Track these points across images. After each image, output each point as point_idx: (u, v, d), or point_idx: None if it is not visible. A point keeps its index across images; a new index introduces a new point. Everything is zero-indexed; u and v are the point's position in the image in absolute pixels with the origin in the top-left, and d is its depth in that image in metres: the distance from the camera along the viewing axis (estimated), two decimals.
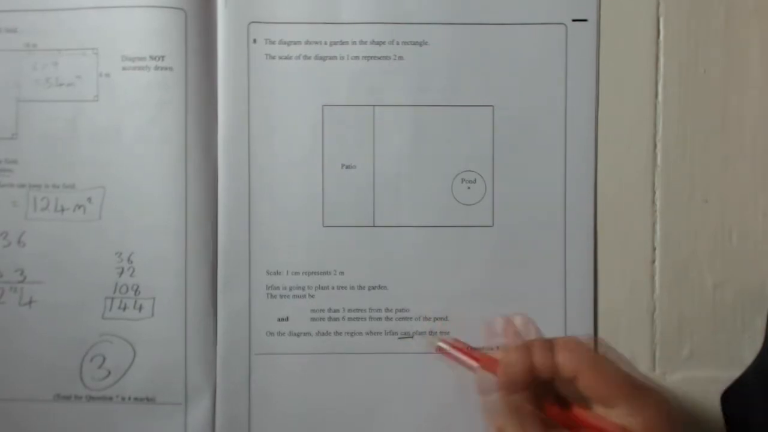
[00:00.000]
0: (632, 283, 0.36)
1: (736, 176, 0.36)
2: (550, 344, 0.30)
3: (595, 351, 0.31)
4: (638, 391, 0.29)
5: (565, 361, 0.29)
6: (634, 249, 0.36)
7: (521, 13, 0.36)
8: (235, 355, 0.36)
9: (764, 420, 0.34)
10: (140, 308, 0.36)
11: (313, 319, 0.36)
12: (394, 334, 0.36)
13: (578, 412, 0.30)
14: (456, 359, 0.35)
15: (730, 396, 0.35)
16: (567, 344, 0.30)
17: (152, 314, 0.36)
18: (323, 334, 0.36)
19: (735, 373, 0.35)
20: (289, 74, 0.36)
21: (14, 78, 0.36)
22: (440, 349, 0.35)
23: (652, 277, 0.36)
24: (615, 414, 0.29)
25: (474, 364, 0.33)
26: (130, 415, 0.36)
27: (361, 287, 0.36)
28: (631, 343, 0.36)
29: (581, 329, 0.36)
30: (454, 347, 0.35)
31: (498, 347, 0.35)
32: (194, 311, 0.36)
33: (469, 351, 0.34)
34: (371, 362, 0.36)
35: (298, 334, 0.36)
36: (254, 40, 0.36)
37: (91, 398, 0.36)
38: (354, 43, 0.36)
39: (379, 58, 0.36)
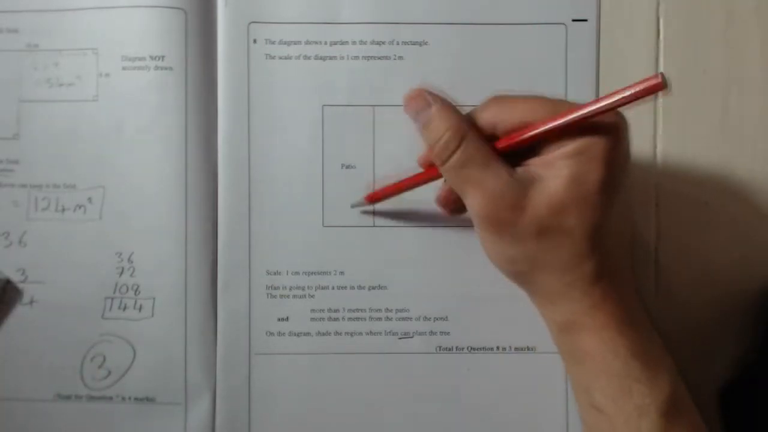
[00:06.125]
0: None
1: (736, 176, 0.36)
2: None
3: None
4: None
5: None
6: (635, 248, 0.36)
7: (521, 13, 0.36)
8: (235, 355, 0.36)
9: (764, 420, 0.34)
10: (140, 308, 0.36)
11: (313, 319, 0.36)
12: (394, 334, 0.36)
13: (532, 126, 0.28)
14: (393, 191, 0.34)
15: (730, 396, 0.35)
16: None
17: (152, 314, 0.36)
18: (323, 334, 0.36)
19: (735, 373, 0.35)
20: (289, 74, 0.36)
21: (16, 78, 0.36)
22: (370, 198, 0.35)
23: (652, 276, 0.36)
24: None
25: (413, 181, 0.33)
26: (130, 415, 0.36)
27: (361, 287, 0.36)
28: None
29: None
30: (381, 192, 0.35)
31: None
32: (194, 311, 0.36)
33: (398, 182, 0.34)
34: (371, 362, 0.36)
35: (298, 334, 0.36)
36: (254, 40, 0.36)
37: (91, 398, 0.36)
38: (354, 43, 0.36)
39: (379, 58, 0.36)
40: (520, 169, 0.28)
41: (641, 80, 0.25)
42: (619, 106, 0.26)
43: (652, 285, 0.36)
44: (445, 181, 0.32)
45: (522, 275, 0.29)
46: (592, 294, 0.28)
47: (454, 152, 0.28)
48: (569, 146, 0.27)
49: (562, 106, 0.28)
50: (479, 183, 0.28)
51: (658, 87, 0.25)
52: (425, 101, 0.30)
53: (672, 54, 0.36)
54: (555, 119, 0.27)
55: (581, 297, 0.28)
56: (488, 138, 0.29)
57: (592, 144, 0.27)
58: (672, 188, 0.36)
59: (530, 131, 0.28)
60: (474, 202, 0.28)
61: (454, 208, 0.33)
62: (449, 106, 0.29)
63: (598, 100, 0.27)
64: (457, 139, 0.28)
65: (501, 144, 0.29)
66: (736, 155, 0.36)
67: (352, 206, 0.36)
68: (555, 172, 0.27)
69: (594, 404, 0.28)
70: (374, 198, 0.35)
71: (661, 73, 0.25)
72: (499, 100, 0.29)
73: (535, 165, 0.28)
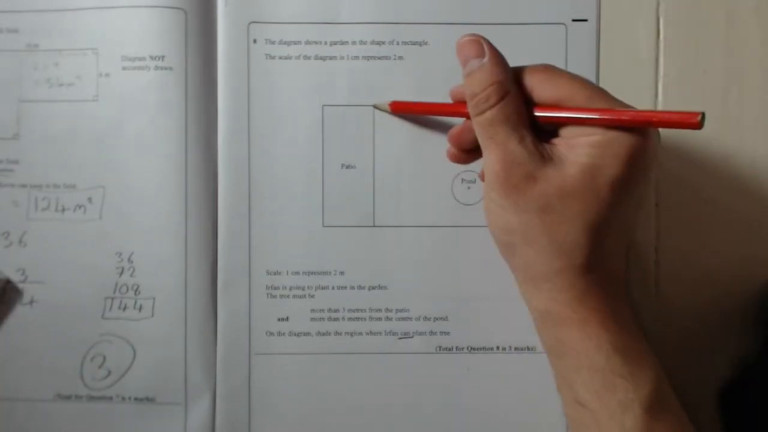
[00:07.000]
0: (632, 283, 0.36)
1: (736, 176, 0.36)
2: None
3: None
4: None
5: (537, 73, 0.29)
6: (635, 248, 0.36)
7: (521, 13, 0.36)
8: (235, 355, 0.36)
9: (764, 420, 0.34)
10: (140, 308, 0.36)
11: (313, 319, 0.36)
12: (394, 334, 0.36)
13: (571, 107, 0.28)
14: (417, 110, 0.35)
15: (730, 396, 0.35)
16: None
17: (152, 314, 0.36)
18: (323, 334, 0.36)
19: (735, 373, 0.35)
20: (289, 74, 0.36)
21: (16, 78, 0.36)
22: (395, 107, 0.36)
23: (652, 276, 0.36)
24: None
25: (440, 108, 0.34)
26: (130, 415, 0.36)
27: (361, 287, 0.36)
28: None
29: None
30: (406, 105, 0.35)
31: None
32: (194, 311, 0.36)
33: (425, 103, 0.35)
34: (371, 362, 0.36)
35: (298, 334, 0.36)
36: (254, 40, 0.36)
37: (91, 398, 0.36)
38: (354, 43, 0.36)
39: (379, 58, 0.36)
40: (545, 144, 0.29)
41: (682, 112, 0.26)
42: (652, 125, 0.27)
43: (652, 285, 0.36)
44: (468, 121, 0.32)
45: (514, 248, 0.29)
46: (577, 286, 0.28)
47: (491, 108, 0.28)
48: (596, 136, 0.27)
49: (599, 96, 0.28)
50: (503, 144, 0.28)
51: (693, 124, 0.25)
52: (479, 50, 0.29)
53: (672, 54, 0.36)
54: (591, 111, 0.27)
55: (566, 287, 0.28)
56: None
57: (619, 140, 0.27)
58: (672, 188, 0.36)
59: (570, 113, 0.28)
60: (492, 159, 0.28)
61: (462, 149, 0.33)
62: (500, 61, 0.29)
63: (636, 112, 0.27)
64: (498, 97, 0.28)
65: (539, 114, 0.29)
66: (736, 155, 0.36)
67: (374, 106, 0.36)
68: (574, 157, 0.27)
69: (578, 399, 0.28)
70: (398, 108, 0.35)
71: (703, 114, 0.25)
72: (548, 69, 0.29)
73: (558, 144, 0.28)
